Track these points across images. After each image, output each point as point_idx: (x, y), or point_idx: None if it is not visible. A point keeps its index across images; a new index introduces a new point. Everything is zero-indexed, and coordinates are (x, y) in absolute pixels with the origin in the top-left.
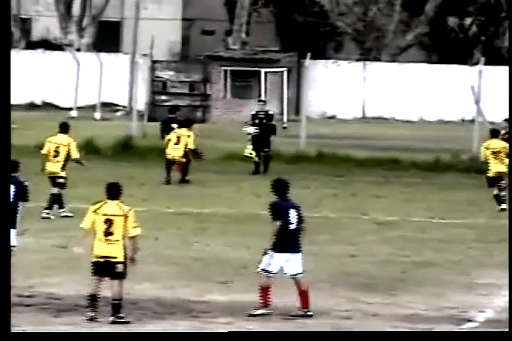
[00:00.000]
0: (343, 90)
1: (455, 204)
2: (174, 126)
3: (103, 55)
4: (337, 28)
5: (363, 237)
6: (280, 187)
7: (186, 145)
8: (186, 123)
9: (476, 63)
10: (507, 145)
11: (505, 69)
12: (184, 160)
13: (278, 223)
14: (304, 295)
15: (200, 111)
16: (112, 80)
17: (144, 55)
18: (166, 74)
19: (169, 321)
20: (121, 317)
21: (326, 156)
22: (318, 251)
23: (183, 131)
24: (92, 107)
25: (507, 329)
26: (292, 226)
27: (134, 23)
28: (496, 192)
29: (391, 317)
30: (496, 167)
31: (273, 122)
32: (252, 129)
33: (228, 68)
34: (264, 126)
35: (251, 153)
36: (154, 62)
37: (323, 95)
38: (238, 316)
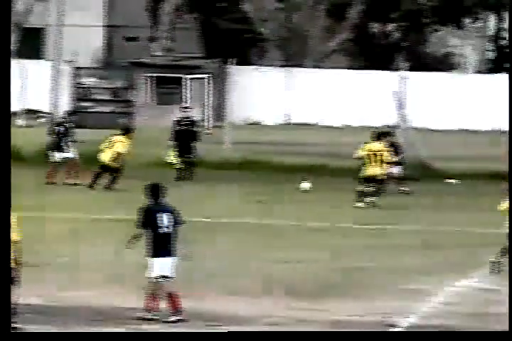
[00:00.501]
0: (266, 96)
1: (384, 210)
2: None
3: (26, 62)
4: (261, 35)
5: (294, 243)
6: (153, 192)
7: (116, 150)
8: (124, 131)
9: (399, 69)
10: (385, 149)
11: (428, 74)
12: (115, 165)
13: (139, 230)
14: (172, 299)
15: (123, 117)
16: (35, 87)
17: (68, 61)
18: (90, 81)
19: (97, 327)
20: None
21: (250, 163)
22: (247, 257)
23: (119, 137)
24: (15, 114)
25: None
26: (163, 231)
27: (57, 30)
28: (361, 188)
29: (318, 323)
30: (372, 169)
31: (196, 128)
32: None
33: (151, 75)
34: (188, 132)
35: (174, 160)
36: (78, 68)
37: (247, 101)
38: (163, 323)
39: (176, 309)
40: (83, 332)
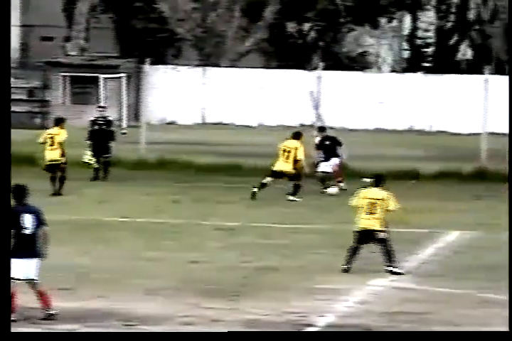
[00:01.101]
0: (182, 96)
1: (301, 210)
2: None
3: None
4: (176, 34)
5: (206, 243)
6: (17, 193)
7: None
8: (57, 121)
9: (315, 68)
10: (299, 146)
11: (344, 74)
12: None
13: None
14: (43, 298)
15: (40, 117)
16: None
17: None
18: None
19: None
20: None
21: (167, 162)
22: (161, 258)
23: (55, 130)
24: None
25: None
26: (27, 232)
27: None
28: (265, 181)
29: (232, 323)
30: (280, 165)
31: (112, 128)
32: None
33: (67, 74)
34: (104, 132)
35: (90, 159)
36: None
37: (163, 101)
38: (80, 323)
39: (46, 306)
40: (83, 332)
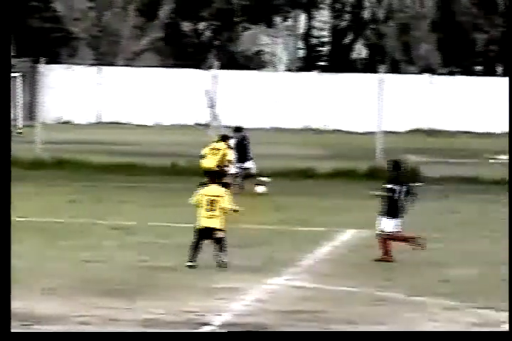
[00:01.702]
0: (78, 95)
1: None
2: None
3: None
4: (72, 33)
5: (103, 243)
6: None
7: None
8: None
9: (211, 67)
10: (224, 147)
11: (240, 73)
12: None
13: None
14: None
15: None
16: None
17: None
18: None
19: None
20: None
21: (63, 162)
22: (58, 257)
23: None
24: None
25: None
26: None
27: None
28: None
29: (129, 322)
30: (207, 162)
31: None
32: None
33: None
34: None
35: None
36: None
37: (58, 100)
38: None
39: None
40: (83, 332)
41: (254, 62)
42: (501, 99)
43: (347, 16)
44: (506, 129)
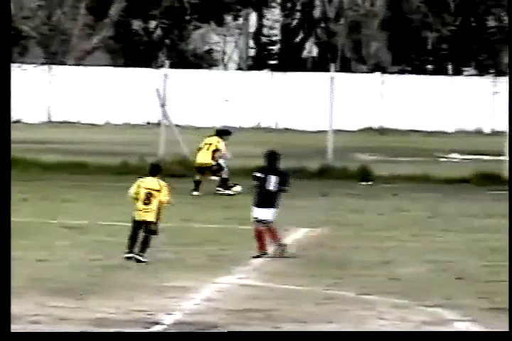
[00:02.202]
0: (28, 94)
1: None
2: None
3: None
4: (22, 32)
5: (54, 242)
6: None
7: None
8: None
9: (161, 66)
10: (216, 142)
11: (190, 71)
12: None
13: None
14: None
15: None
16: None
17: None
18: None
19: None
20: None
21: (13, 161)
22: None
23: None
24: None
25: (195, 331)
26: None
27: None
28: (198, 177)
29: (80, 321)
30: (200, 158)
31: None
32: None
33: None
34: None
35: None
36: None
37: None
38: None
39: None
40: (83, 332)
41: (204, 60)
42: (452, 97)
43: (298, 15)
44: (458, 127)
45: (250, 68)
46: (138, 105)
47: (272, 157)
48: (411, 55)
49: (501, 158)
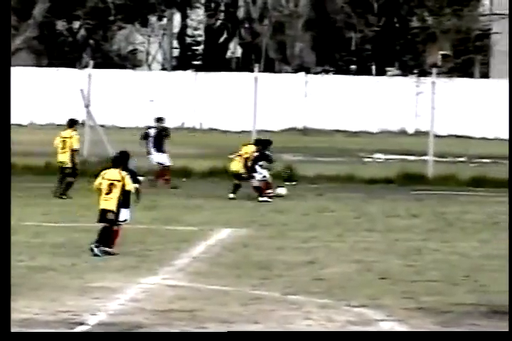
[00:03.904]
0: None
1: (71, 209)
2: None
3: None
4: None
5: None
6: None
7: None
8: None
9: (86, 67)
10: (251, 151)
11: (114, 72)
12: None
13: None
14: None
15: None
16: None
17: None
18: None
19: None
20: None
21: None
22: None
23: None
24: None
25: (119, 331)
26: None
27: None
28: (236, 182)
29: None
30: (233, 165)
31: None
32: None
33: None
34: None
35: None
36: None
37: None
38: None
39: None
40: (83, 332)
41: (129, 61)
42: (376, 97)
43: (222, 15)
44: (382, 128)
45: (174, 68)
46: (62, 105)
47: (123, 158)
48: (335, 56)
49: (425, 158)
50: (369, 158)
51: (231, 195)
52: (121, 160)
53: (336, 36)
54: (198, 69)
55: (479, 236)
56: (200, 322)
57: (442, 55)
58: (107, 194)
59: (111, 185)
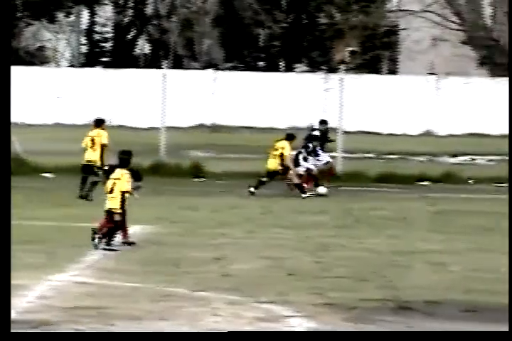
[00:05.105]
0: None
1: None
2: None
3: None
4: None
5: None
6: None
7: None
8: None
9: None
10: (283, 146)
11: (22, 69)
12: None
13: None
14: None
15: None
16: None
17: None
18: None
19: None
20: None
21: None
22: None
23: (95, 132)
24: None
25: (27, 329)
26: None
27: None
28: (264, 179)
29: None
30: (269, 163)
31: None
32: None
33: None
34: None
35: None
36: None
37: None
38: None
39: None
40: (83, 332)
41: (36, 58)
42: (284, 94)
43: (130, 12)
44: (290, 124)
45: (83, 65)
46: None
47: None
48: (243, 52)
49: (333, 154)
50: None
51: (251, 189)
52: (126, 160)
53: (244, 33)
54: (106, 65)
55: (388, 232)
56: (109, 319)
57: (350, 51)
58: (110, 193)
59: (113, 184)
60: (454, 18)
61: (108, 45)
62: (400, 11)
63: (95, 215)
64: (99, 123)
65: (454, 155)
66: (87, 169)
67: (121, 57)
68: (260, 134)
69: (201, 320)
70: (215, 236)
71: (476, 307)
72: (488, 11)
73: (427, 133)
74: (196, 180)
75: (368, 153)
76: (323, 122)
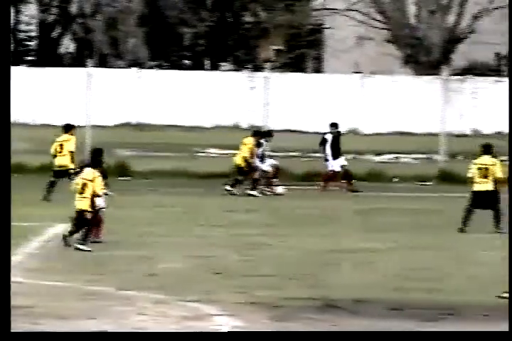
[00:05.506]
0: None
1: None
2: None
3: None
4: None
5: None
6: None
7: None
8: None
9: None
10: (250, 142)
11: None
12: None
13: None
14: None
15: None
16: None
17: None
18: None
19: None
20: None
21: None
22: None
23: (64, 137)
24: None
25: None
26: None
27: None
28: (239, 178)
29: None
30: (236, 158)
31: None
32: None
33: None
34: None
35: None
36: None
37: None
38: None
39: None
40: (83, 332)
41: None
42: (209, 92)
43: (54, 10)
44: (215, 123)
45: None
46: None
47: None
48: (168, 51)
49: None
50: (203, 153)
51: (227, 187)
52: (97, 159)
53: (170, 31)
54: (31, 64)
55: (314, 231)
56: (36, 317)
57: (275, 50)
58: (81, 193)
59: (84, 185)
60: (379, 17)
61: (33, 43)
62: (325, 9)
63: (24, 213)
64: (68, 128)
65: (379, 154)
66: (60, 174)
67: (46, 55)
68: (186, 133)
69: (128, 319)
70: (141, 234)
71: (403, 305)
72: (412, 9)
73: (352, 132)
74: (122, 178)
75: (294, 151)
76: (333, 125)
